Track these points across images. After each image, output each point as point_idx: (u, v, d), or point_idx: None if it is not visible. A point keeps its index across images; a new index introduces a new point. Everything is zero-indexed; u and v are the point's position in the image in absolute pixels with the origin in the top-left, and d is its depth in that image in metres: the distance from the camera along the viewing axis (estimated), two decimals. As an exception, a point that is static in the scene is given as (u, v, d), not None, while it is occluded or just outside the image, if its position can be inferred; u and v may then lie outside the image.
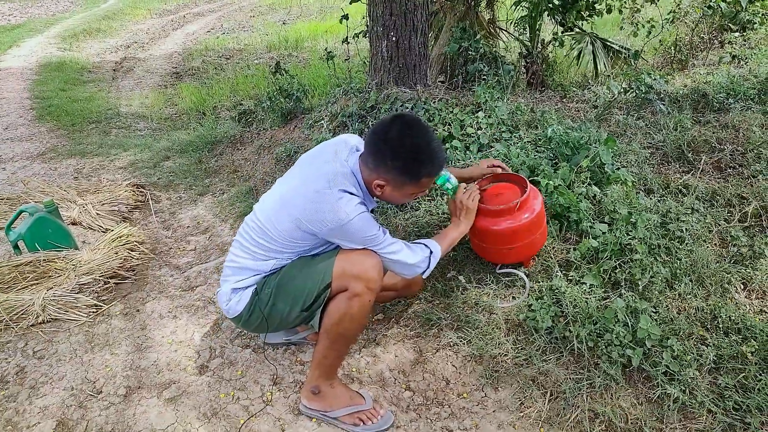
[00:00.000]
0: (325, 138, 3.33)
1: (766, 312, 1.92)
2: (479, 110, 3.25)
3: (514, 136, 3.09)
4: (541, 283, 2.13)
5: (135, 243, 2.98)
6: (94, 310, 2.53)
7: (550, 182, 2.25)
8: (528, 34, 4.97)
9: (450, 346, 2.07)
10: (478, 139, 3.10)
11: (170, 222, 3.47)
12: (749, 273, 2.05)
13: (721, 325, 1.86)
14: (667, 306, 1.93)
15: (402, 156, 1.65)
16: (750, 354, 1.72)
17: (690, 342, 1.82)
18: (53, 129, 5.96)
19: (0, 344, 2.37)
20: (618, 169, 2.50)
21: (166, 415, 1.95)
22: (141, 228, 3.38)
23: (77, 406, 2.02)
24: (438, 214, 2.69)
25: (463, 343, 2.05)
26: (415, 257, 1.81)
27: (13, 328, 2.44)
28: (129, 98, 7.60)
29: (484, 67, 3.89)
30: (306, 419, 1.88)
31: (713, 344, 1.80)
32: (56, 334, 2.43)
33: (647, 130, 3.20)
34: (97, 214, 3.40)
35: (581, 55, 4.96)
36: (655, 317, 1.89)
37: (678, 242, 2.16)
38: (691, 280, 2.03)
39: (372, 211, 1.84)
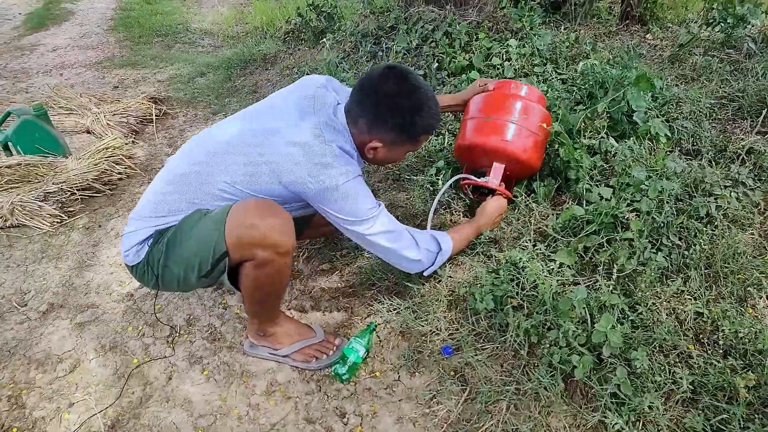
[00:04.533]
0: (333, 62, 2.96)
1: (799, 334, 1.37)
2: (513, 38, 2.69)
3: (548, 71, 2.53)
4: (509, 251, 1.69)
5: (121, 157, 2.86)
6: (59, 220, 2.46)
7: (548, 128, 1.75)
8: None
9: (380, 313, 1.74)
10: (503, 71, 2.58)
11: (176, 139, 3.33)
12: (793, 277, 1.48)
13: (721, 342, 1.35)
14: (652, 305, 1.43)
15: (402, 113, 1.41)
16: (745, 389, 1.22)
17: (668, 358, 1.34)
18: (121, 39, 6.05)
19: (-34, 243, 2.38)
20: (650, 119, 1.91)
21: (68, 340, 1.83)
22: (146, 142, 3.28)
23: (-3, 317, 1.95)
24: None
25: (392, 313, 1.71)
26: (418, 252, 1.57)
27: (-18, 228, 2.43)
28: (205, 14, 7.55)
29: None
30: (196, 371, 1.67)
31: (699, 366, 1.31)
32: (18, 240, 2.39)
33: (728, 76, 2.48)
34: (107, 124, 3.33)
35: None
36: (631, 318, 1.41)
37: (699, 222, 1.61)
38: (700, 275, 1.50)
39: None
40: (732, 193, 1.68)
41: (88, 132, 3.35)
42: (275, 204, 1.37)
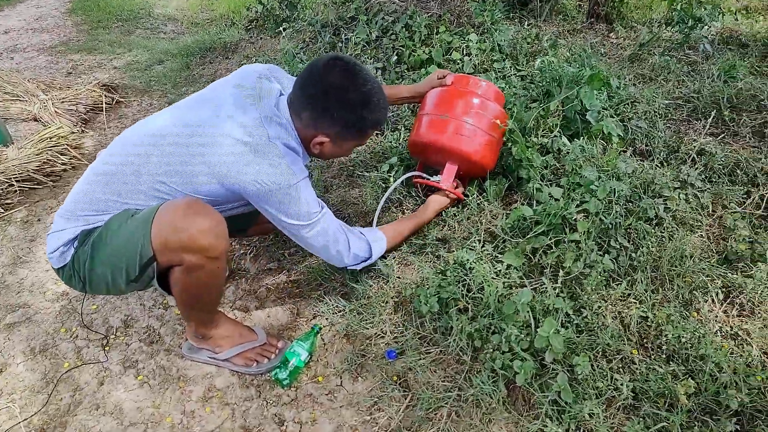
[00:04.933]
0: (291, 52, 2.88)
1: (741, 338, 1.37)
2: (474, 32, 2.65)
3: (507, 67, 2.49)
4: (456, 252, 1.64)
5: (67, 146, 2.73)
6: (-5, 214, 2.33)
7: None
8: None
9: (325, 314, 1.68)
10: (463, 66, 2.53)
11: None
12: (738, 280, 1.48)
13: (664, 347, 1.34)
14: (598, 309, 1.41)
15: (349, 107, 1.35)
16: (685, 396, 1.21)
17: (611, 364, 1.32)
18: (79, 23, 5.83)
19: None
20: (604, 118, 1.89)
21: (-6, 342, 1.72)
22: (96, 132, 3.14)
23: None
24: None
25: (337, 315, 1.65)
26: (347, 256, 1.54)
27: None
28: (169, 0, 7.32)
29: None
30: (130, 376, 1.59)
31: (641, 372, 1.29)
32: (-51, 234, 2.26)
33: (684, 77, 2.48)
34: (56, 111, 3.17)
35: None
36: (576, 322, 1.39)
37: (648, 224, 1.59)
38: (646, 278, 1.48)
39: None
40: (681, 195, 1.67)
41: (36, 120, 3.19)
42: (206, 204, 1.28)
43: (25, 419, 1.48)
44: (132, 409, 1.49)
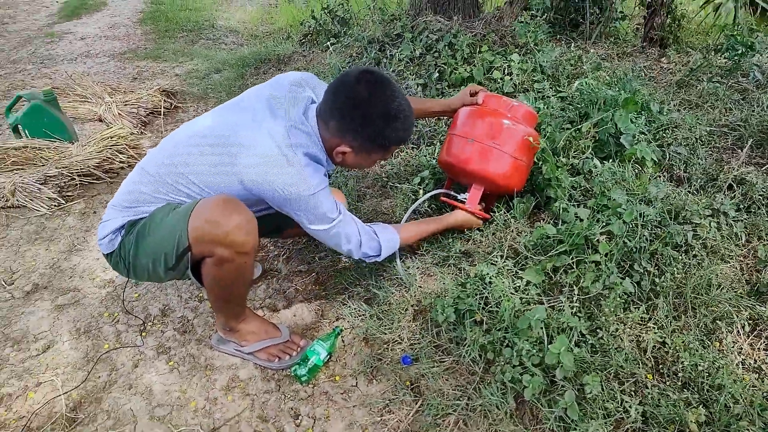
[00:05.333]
0: (337, 66, 2.99)
1: (764, 372, 1.34)
2: (515, 52, 2.68)
3: (547, 88, 2.51)
4: (478, 266, 1.67)
5: (126, 146, 2.92)
6: (56, 204, 2.53)
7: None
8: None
9: (347, 318, 1.74)
10: (503, 86, 2.57)
11: (183, 133, 3.39)
12: (767, 313, 1.44)
13: (680, 374, 1.32)
14: (615, 331, 1.41)
15: (374, 122, 1.38)
16: (695, 424, 1.19)
17: (623, 386, 1.31)
18: (148, 32, 6.19)
19: (-32, 220, 2.45)
20: (638, 142, 1.88)
21: (46, 321, 1.87)
22: (154, 134, 3.35)
23: (-17, 293, 2.01)
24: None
25: (358, 318, 1.71)
26: (357, 251, 1.59)
27: (-16, 207, 2.51)
28: (232, 12, 7.67)
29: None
30: (162, 361, 1.69)
31: (653, 396, 1.28)
32: (16, 220, 2.46)
33: (732, 105, 2.43)
34: (119, 113, 3.40)
35: (718, 9, 3.95)
36: (591, 342, 1.39)
37: (675, 250, 1.58)
38: (668, 304, 1.47)
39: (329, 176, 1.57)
40: (712, 223, 1.64)
41: (100, 120, 3.43)
42: (240, 203, 1.38)
43: (65, 392, 1.60)
44: (161, 391, 1.59)
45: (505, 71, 2.63)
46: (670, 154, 2.04)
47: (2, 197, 2.52)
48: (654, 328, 1.42)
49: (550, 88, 2.46)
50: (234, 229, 1.33)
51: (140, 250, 1.44)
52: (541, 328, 1.37)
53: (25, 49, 5.53)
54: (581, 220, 1.65)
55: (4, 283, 2.06)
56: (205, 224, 1.33)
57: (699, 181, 1.93)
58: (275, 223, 1.78)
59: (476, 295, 1.56)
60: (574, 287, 1.47)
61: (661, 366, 1.37)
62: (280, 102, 1.44)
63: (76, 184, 2.64)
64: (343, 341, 1.68)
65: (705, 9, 4.23)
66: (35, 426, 1.49)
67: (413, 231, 1.74)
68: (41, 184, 2.54)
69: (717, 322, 1.44)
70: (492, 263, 1.64)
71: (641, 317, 1.44)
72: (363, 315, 1.71)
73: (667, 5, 3.85)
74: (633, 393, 1.31)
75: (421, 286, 1.72)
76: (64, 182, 2.59)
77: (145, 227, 1.44)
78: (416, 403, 1.44)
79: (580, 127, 1.86)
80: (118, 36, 6.00)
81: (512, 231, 1.78)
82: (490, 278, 1.55)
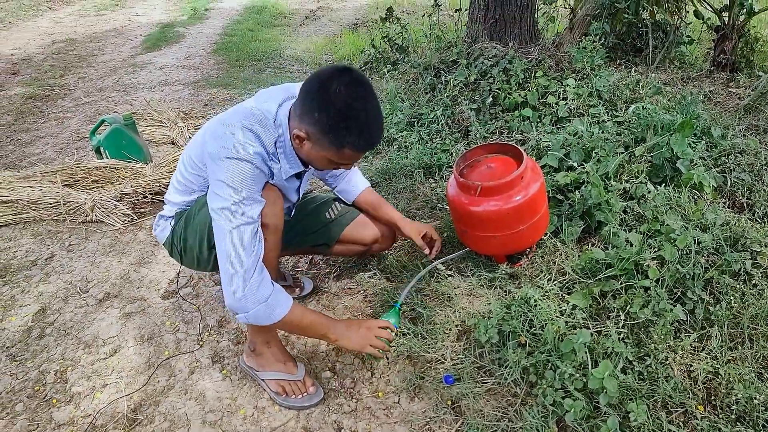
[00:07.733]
0: (393, 92, 3.08)
1: (829, 410, 1.25)
2: (571, 77, 2.67)
3: (602, 112, 2.48)
4: (524, 288, 1.67)
5: (194, 167, 3.11)
6: (130, 220, 2.73)
7: (569, 174, 1.73)
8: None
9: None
10: (557, 111, 2.56)
11: (246, 155, 3.57)
12: (833, 347, 1.36)
13: (734, 407, 1.26)
14: (664, 359, 1.36)
15: (331, 112, 1.31)
16: (748, 461, 1.14)
17: (671, 416, 1.27)
18: (220, 62, 6.58)
19: (53, 232, 2.69)
20: (695, 167, 1.83)
21: (114, 327, 2.01)
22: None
23: (61, 299, 2.19)
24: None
25: (402, 337, 1.73)
26: (241, 287, 1.37)
27: (67, 221, 2.74)
28: (299, 43, 8.03)
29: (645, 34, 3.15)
30: (216, 369, 1.79)
31: (702, 429, 1.23)
32: (93, 234, 2.67)
33: (805, 129, 2.32)
34: (189, 137, 3.63)
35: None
36: (638, 369, 1.35)
37: (733, 279, 1.51)
38: (723, 333, 1.41)
39: (298, 176, 1.62)
40: (774, 251, 1.56)
41: (173, 143, 3.68)
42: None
43: (127, 395, 1.71)
44: (213, 398, 1.67)
45: (560, 96, 2.62)
46: (732, 180, 1.96)
47: (83, 213, 2.74)
48: (707, 357, 1.37)
49: (606, 112, 2.43)
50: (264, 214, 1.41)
51: (188, 231, 1.62)
52: (586, 352, 1.35)
53: (111, 78, 6.01)
54: (631, 245, 1.62)
55: (80, 290, 2.24)
56: None
57: (762, 208, 1.85)
58: (320, 236, 1.88)
59: (521, 317, 1.56)
60: (621, 313, 1.44)
61: (712, 397, 1.32)
62: (268, 97, 1.51)
63: (148, 202, 2.83)
64: (387, 358, 1.71)
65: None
66: (99, 424, 1.61)
67: (305, 316, 1.52)
68: (117, 201, 2.74)
69: (777, 354, 1.37)
70: (538, 286, 1.63)
71: (693, 346, 1.39)
72: (408, 333, 1.74)
73: (739, 29, 3.72)
74: (682, 424, 1.26)
75: (464, 307, 1.73)
76: (138, 200, 2.79)
77: (191, 212, 1.63)
78: (457, 423, 1.44)
79: (633, 151, 1.83)
80: (193, 65, 6.41)
81: (560, 254, 1.76)
82: (536, 301, 1.55)
